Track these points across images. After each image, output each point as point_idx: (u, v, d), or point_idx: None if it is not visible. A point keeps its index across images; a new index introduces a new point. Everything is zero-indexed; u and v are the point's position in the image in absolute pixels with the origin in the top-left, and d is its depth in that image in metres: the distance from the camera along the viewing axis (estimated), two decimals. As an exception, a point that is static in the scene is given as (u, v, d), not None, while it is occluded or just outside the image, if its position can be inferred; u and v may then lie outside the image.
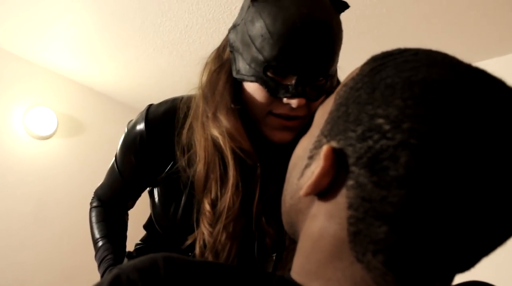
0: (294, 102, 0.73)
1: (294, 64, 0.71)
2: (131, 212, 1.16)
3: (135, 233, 1.18)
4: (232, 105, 0.80)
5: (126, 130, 0.95)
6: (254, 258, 0.91)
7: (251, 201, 0.82)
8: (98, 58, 2.76)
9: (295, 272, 0.42)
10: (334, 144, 0.38)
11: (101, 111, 3.33)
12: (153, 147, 0.88)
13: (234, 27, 0.81)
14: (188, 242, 0.86)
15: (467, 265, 0.36)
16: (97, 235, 1.05)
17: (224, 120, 0.78)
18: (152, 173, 0.92)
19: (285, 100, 0.74)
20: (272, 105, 0.77)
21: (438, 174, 0.31)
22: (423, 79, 0.34)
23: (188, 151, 0.84)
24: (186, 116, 0.86)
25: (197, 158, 0.82)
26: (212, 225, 0.80)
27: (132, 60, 2.74)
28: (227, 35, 0.83)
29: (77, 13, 2.25)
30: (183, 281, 0.34)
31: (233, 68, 0.79)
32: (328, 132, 0.40)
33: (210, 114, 0.80)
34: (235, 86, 0.82)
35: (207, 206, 0.80)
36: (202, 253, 0.82)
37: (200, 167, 0.81)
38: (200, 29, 2.34)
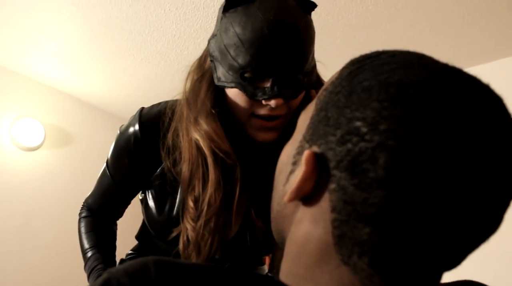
0: (272, 103, 0.77)
1: (267, 67, 0.76)
2: (120, 224, 1.15)
3: (123, 245, 1.18)
4: (213, 111, 0.85)
5: (118, 133, 0.97)
6: (246, 255, 0.95)
7: (232, 198, 0.87)
8: (86, 69, 2.75)
9: (284, 276, 0.43)
10: (315, 148, 0.39)
11: (89, 122, 3.31)
12: (147, 147, 0.91)
13: (212, 37, 0.85)
14: (173, 234, 0.89)
15: (453, 263, 0.36)
16: (86, 245, 1.04)
17: (204, 124, 0.83)
18: (145, 174, 0.94)
19: (264, 102, 0.79)
20: (253, 108, 0.81)
21: (417, 174, 0.32)
22: (399, 81, 0.35)
23: (173, 152, 0.89)
24: (171, 120, 0.90)
25: (182, 159, 0.87)
26: (195, 220, 0.84)
27: (120, 70, 2.74)
28: (207, 45, 0.88)
29: (64, 24, 2.24)
30: (174, 285, 0.34)
31: (214, 76, 0.84)
32: (310, 138, 0.41)
33: (192, 119, 0.85)
34: (218, 93, 0.87)
35: (190, 203, 0.85)
36: (185, 247, 0.86)
37: (184, 167, 0.86)
38: (188, 39, 2.35)
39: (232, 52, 0.77)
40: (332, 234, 0.37)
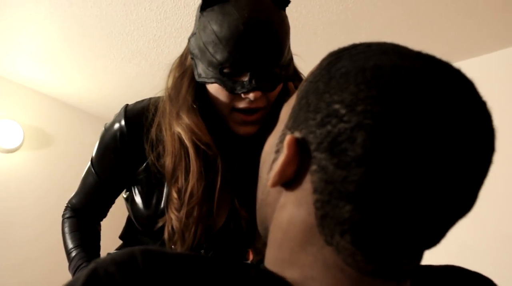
0: (251, 96, 0.82)
1: (244, 62, 0.80)
2: (102, 225, 1.14)
3: (106, 246, 1.17)
4: (194, 105, 0.89)
5: (103, 131, 0.99)
6: (231, 245, 0.99)
7: (214, 188, 0.91)
8: (64, 69, 2.71)
9: (269, 263, 0.43)
10: (297, 134, 0.40)
11: (68, 123, 3.26)
12: (132, 142, 0.93)
13: (192, 35, 0.89)
14: (159, 224, 0.92)
15: (431, 240, 0.38)
16: (70, 245, 1.04)
17: (186, 118, 0.87)
18: (131, 169, 0.96)
19: (243, 95, 0.83)
20: (234, 102, 0.85)
21: (393, 151, 0.33)
22: (374, 65, 0.37)
23: (157, 146, 0.92)
24: (154, 115, 0.94)
25: (165, 152, 0.90)
26: (178, 210, 0.88)
27: (100, 70, 2.71)
28: (188, 44, 0.91)
29: (41, 23, 2.21)
30: (162, 274, 0.34)
31: (195, 73, 0.87)
32: (291, 125, 0.42)
33: (174, 114, 0.89)
34: (199, 89, 0.91)
35: (174, 194, 0.89)
36: (170, 236, 0.89)
37: (168, 160, 0.89)
38: (169, 38, 2.34)
39: (210, 49, 0.81)
40: (315, 215, 0.38)
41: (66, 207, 1.13)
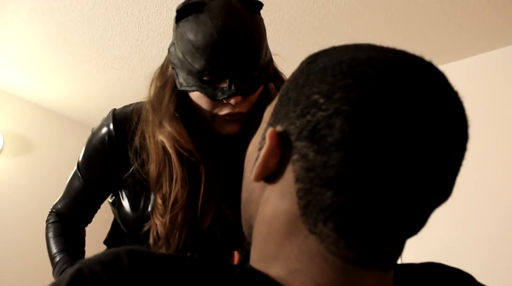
0: (232, 101, 0.83)
1: (222, 69, 0.81)
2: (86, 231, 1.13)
3: (90, 252, 1.15)
4: (176, 114, 0.90)
5: (90, 135, 0.99)
6: (217, 246, 1.00)
7: (198, 193, 0.93)
8: (45, 74, 2.68)
9: (254, 260, 0.44)
10: (278, 127, 0.41)
11: (50, 128, 3.22)
12: (120, 146, 0.94)
13: (171, 45, 0.90)
14: (145, 228, 0.93)
15: (412, 227, 0.39)
16: (54, 250, 1.02)
17: (168, 127, 0.89)
18: (118, 173, 0.96)
19: (224, 101, 0.84)
20: (216, 109, 0.87)
21: (370, 135, 0.34)
22: (350, 58, 0.39)
23: (141, 153, 0.93)
24: (137, 124, 0.95)
25: (150, 160, 0.91)
26: (163, 215, 0.89)
27: (82, 75, 2.68)
28: (168, 53, 0.92)
29: (21, 28, 2.18)
30: (147, 274, 0.34)
31: (177, 82, 0.88)
32: (273, 121, 0.43)
33: (157, 123, 0.90)
34: (182, 97, 0.92)
35: (159, 200, 0.90)
36: (155, 241, 0.90)
37: (152, 167, 0.90)
38: (151, 43, 2.33)
39: (189, 59, 0.82)
40: (298, 205, 0.39)
41: (50, 212, 1.11)
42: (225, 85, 0.82)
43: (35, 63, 2.56)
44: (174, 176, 0.89)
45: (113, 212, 1.03)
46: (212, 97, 0.83)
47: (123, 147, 0.94)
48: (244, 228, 0.51)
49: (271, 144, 0.40)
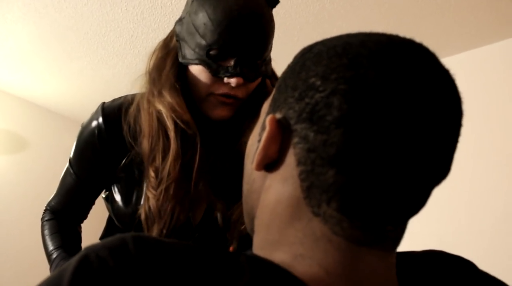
0: (233, 81, 0.83)
1: (232, 47, 0.82)
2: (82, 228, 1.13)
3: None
4: (176, 85, 0.90)
5: (80, 130, 0.98)
6: (211, 239, 0.98)
7: (191, 168, 0.91)
8: (39, 71, 2.66)
9: (258, 248, 0.44)
10: (277, 115, 0.42)
11: (44, 126, 3.21)
12: (111, 139, 0.93)
13: (180, 20, 0.91)
14: (140, 212, 0.91)
15: (413, 205, 0.39)
16: (51, 247, 1.02)
17: (168, 96, 0.88)
18: (110, 167, 0.95)
19: (225, 79, 0.84)
20: (214, 86, 0.87)
21: (368, 111, 0.35)
22: (344, 42, 0.40)
23: (135, 131, 0.92)
24: (129, 108, 0.94)
25: (142, 133, 0.90)
26: (155, 188, 0.88)
27: (76, 72, 2.67)
28: (174, 28, 0.93)
29: (14, 25, 2.17)
30: (154, 259, 0.34)
31: (179, 54, 0.89)
32: (272, 109, 0.44)
33: (156, 92, 0.89)
34: (180, 71, 0.92)
35: (151, 173, 0.89)
36: (146, 215, 0.89)
37: (145, 141, 0.89)
38: (146, 39, 2.32)
39: (200, 31, 0.83)
40: (301, 188, 0.39)
41: (45, 210, 1.11)
42: (229, 64, 0.84)
43: (28, 61, 2.54)
44: (169, 149, 0.88)
45: (107, 208, 1.02)
46: (214, 73, 0.84)
47: (114, 139, 0.93)
48: (246, 221, 0.50)
49: (271, 129, 0.41)
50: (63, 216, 1.08)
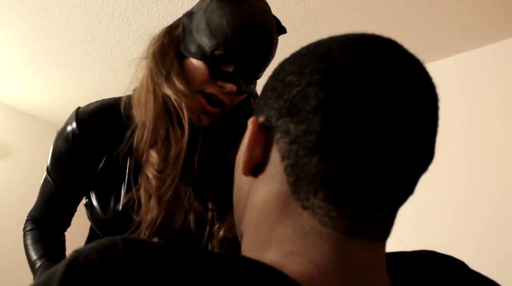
0: (228, 87, 0.85)
1: (238, 55, 0.84)
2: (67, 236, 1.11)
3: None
4: (184, 74, 0.89)
5: (56, 137, 0.96)
6: (192, 241, 0.95)
7: (192, 158, 0.90)
8: (23, 77, 2.63)
9: (247, 250, 0.43)
10: (260, 118, 0.43)
11: (29, 133, 3.16)
12: (86, 144, 0.91)
13: (190, 13, 0.92)
14: (123, 201, 0.89)
15: (398, 192, 0.39)
16: (34, 257, 1.00)
17: (178, 83, 0.86)
18: (87, 172, 0.93)
19: (220, 83, 0.85)
20: (207, 85, 0.87)
21: (343, 95, 0.36)
22: (316, 41, 0.43)
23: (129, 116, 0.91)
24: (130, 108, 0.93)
25: (139, 116, 0.88)
26: (161, 171, 0.86)
27: (61, 78, 2.64)
28: (180, 19, 0.94)
29: (-2, 31, 2.14)
30: (144, 262, 0.34)
31: (181, 45, 0.90)
32: (255, 115, 0.45)
33: (164, 74, 0.88)
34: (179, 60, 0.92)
35: (154, 155, 0.87)
36: (146, 199, 0.86)
37: (148, 123, 0.87)
38: (132, 45, 2.31)
39: (212, 30, 0.84)
40: (288, 183, 0.39)
41: (26, 220, 1.09)
42: (229, 69, 0.85)
43: (12, 67, 2.51)
44: (175, 136, 0.87)
45: (87, 215, 1.00)
46: (212, 73, 0.85)
47: (88, 144, 0.91)
48: (238, 231, 0.50)
49: (253, 128, 0.42)
50: (44, 225, 1.06)
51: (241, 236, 0.47)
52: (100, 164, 0.92)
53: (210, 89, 0.87)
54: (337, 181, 0.37)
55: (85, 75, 2.61)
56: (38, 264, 0.98)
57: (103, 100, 0.97)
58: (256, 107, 0.46)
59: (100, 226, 0.95)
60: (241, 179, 0.47)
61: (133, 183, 0.90)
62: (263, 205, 0.42)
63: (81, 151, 0.92)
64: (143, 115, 0.88)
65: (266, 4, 0.90)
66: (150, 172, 0.86)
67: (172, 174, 0.86)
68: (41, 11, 2.01)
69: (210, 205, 0.93)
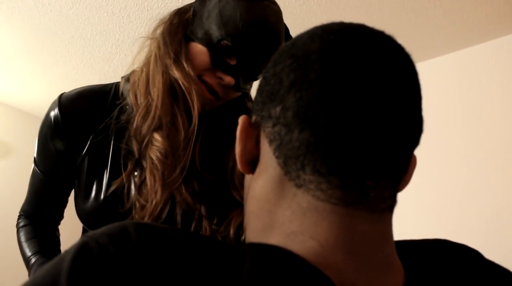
0: (226, 79, 0.83)
1: (243, 50, 0.83)
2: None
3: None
4: (190, 58, 0.87)
5: (40, 125, 0.95)
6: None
7: (194, 147, 0.87)
8: (23, 76, 2.62)
9: (252, 238, 0.44)
10: (253, 118, 0.45)
11: (28, 132, 3.15)
12: (69, 129, 0.90)
13: (202, 0, 0.90)
14: (112, 188, 0.86)
15: (388, 157, 0.39)
16: (28, 253, 0.98)
17: (187, 67, 0.85)
18: (72, 159, 0.92)
19: (219, 73, 0.84)
20: (205, 72, 0.85)
21: (309, 69, 0.38)
22: (296, 35, 0.45)
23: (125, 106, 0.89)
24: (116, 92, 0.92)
25: (140, 97, 0.86)
26: (167, 156, 0.83)
27: (62, 76, 2.63)
28: (191, 4, 0.92)
29: (-2, 29, 2.14)
30: (156, 246, 0.33)
31: (189, 28, 0.88)
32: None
33: (172, 55, 0.85)
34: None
35: (159, 138, 0.84)
36: (152, 183, 0.83)
37: (154, 105, 0.84)
38: (132, 43, 2.30)
39: (224, 20, 0.82)
40: (280, 166, 0.40)
41: (19, 216, 1.08)
42: (231, 63, 0.83)
43: (13, 65, 2.50)
44: (180, 120, 0.84)
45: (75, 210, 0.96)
46: (214, 62, 0.83)
47: (71, 129, 0.89)
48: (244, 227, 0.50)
49: (243, 122, 0.44)
50: (37, 219, 1.05)
51: (245, 230, 0.48)
52: (83, 151, 0.90)
53: (208, 78, 0.85)
54: (318, 150, 0.37)
55: (85, 73, 2.60)
56: (32, 261, 0.97)
57: (89, 85, 0.95)
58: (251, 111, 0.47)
59: (84, 218, 0.92)
60: (246, 180, 0.48)
61: (117, 170, 0.87)
62: (260, 192, 0.42)
63: (65, 137, 0.90)
64: (145, 96, 0.86)
65: (280, 10, 0.89)
66: (155, 155, 0.83)
67: (183, 161, 0.84)
68: (41, 9, 2.00)
69: (200, 200, 0.90)
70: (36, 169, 0.97)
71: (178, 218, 0.89)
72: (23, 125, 3.14)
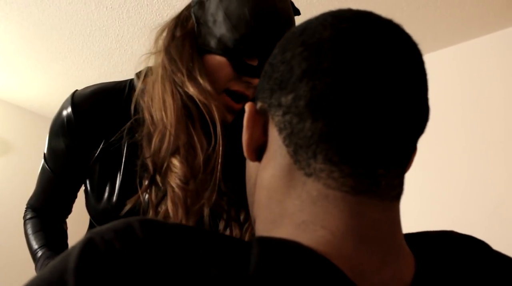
0: (254, 81, 0.79)
1: (262, 47, 0.78)
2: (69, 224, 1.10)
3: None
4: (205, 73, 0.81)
5: (51, 122, 0.93)
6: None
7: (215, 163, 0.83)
8: (22, 72, 2.62)
9: (261, 230, 0.43)
10: (258, 104, 0.45)
11: (28, 129, 3.15)
12: (82, 129, 0.88)
13: (201, 2, 0.84)
14: (127, 207, 0.84)
15: (397, 146, 0.39)
16: (35, 246, 0.98)
17: (203, 82, 0.80)
18: (84, 158, 0.91)
19: (245, 78, 0.80)
20: (231, 82, 0.81)
21: (322, 57, 0.38)
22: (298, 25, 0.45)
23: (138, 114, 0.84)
24: (131, 89, 0.88)
25: (153, 118, 0.81)
26: (187, 182, 0.79)
27: (61, 73, 2.62)
28: (188, 9, 0.86)
29: (-3, 25, 2.12)
30: (162, 243, 0.33)
31: (198, 39, 0.83)
32: (253, 102, 0.47)
33: (185, 74, 0.80)
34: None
35: (177, 164, 0.79)
36: (175, 208, 0.79)
37: (168, 128, 0.79)
38: (132, 38, 2.29)
39: (233, 21, 0.77)
40: (289, 154, 0.40)
41: (26, 208, 1.07)
42: (254, 63, 0.79)
43: (11, 62, 2.49)
44: (198, 141, 0.80)
45: (86, 207, 0.96)
46: (238, 70, 0.79)
47: (85, 129, 0.87)
48: (251, 216, 0.50)
49: (250, 110, 0.44)
50: (44, 212, 1.04)
51: (255, 221, 0.47)
52: (96, 151, 0.89)
53: (236, 87, 0.81)
54: (332, 139, 0.37)
55: (84, 69, 2.59)
56: (39, 254, 0.96)
57: (102, 83, 0.93)
58: (254, 96, 0.46)
59: (94, 216, 0.93)
60: (249, 168, 0.48)
61: (130, 173, 0.85)
62: (269, 181, 0.42)
63: (77, 137, 0.88)
64: (161, 117, 0.81)
65: None
66: (175, 182, 0.79)
67: (210, 187, 0.80)
68: (39, 4, 1.99)
69: (227, 200, 0.88)
70: (46, 165, 0.97)
71: (206, 218, 0.84)
72: (23, 122, 3.13)
